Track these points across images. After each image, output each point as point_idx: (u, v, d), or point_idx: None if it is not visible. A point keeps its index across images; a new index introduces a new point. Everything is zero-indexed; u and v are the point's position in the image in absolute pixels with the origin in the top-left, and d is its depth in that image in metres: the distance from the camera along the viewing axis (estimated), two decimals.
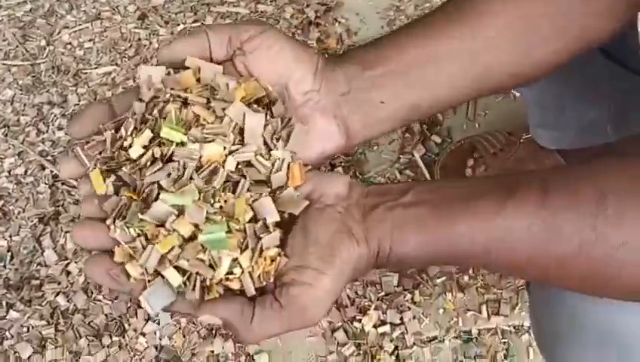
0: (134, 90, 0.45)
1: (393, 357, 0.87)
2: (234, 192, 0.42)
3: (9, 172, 1.01)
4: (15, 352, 0.85)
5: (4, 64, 1.15)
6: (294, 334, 0.88)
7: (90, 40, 1.18)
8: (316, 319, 0.41)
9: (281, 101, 0.45)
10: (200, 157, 0.42)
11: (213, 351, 0.86)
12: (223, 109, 0.43)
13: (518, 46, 0.49)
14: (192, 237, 0.41)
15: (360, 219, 0.43)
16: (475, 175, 0.97)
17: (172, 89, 0.43)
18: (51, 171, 1.01)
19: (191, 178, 0.41)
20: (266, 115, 0.44)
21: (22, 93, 1.10)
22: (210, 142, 0.42)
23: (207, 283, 0.42)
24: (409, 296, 0.91)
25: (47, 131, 1.06)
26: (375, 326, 0.88)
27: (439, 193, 0.43)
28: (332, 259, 0.41)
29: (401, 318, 0.90)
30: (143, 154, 0.41)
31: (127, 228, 0.40)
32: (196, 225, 0.41)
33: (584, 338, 0.48)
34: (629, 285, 0.39)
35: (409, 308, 0.91)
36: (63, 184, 1.00)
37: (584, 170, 0.41)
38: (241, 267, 0.42)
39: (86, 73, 1.13)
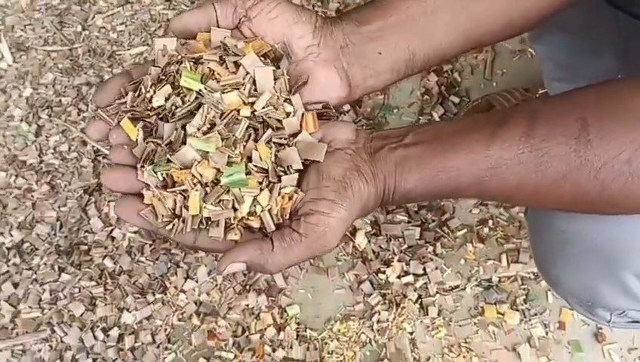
0: (151, 62, 0.49)
1: (417, 305, 0.92)
2: (255, 140, 0.47)
3: (54, 149, 1.09)
4: (69, 311, 0.93)
5: (44, 50, 1.22)
6: (323, 288, 0.94)
7: (122, 23, 1.24)
8: (332, 245, 0.45)
9: (285, 56, 0.50)
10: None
11: (248, 305, 0.93)
12: (235, 63, 0.48)
13: None
14: (216, 182, 0.46)
15: (367, 158, 0.47)
16: None
17: (185, 54, 0.48)
18: (93, 146, 1.08)
19: (214, 125, 0.46)
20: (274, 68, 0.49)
21: (62, 76, 1.18)
22: (228, 92, 0.47)
23: (231, 221, 0.46)
24: (431, 248, 0.96)
25: (87, 110, 1.13)
26: (399, 277, 0.93)
27: (435, 132, 0.47)
28: (345, 192, 0.45)
29: (424, 269, 0.94)
30: (163, 105, 0.46)
31: (155, 172, 0.46)
32: (219, 170, 0.46)
33: (572, 255, 0.52)
34: (612, 202, 0.42)
35: (431, 259, 0.95)
36: (104, 158, 1.07)
37: (568, 99, 0.45)
38: (260, 205, 0.46)
39: (120, 54, 1.20)
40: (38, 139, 1.11)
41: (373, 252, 0.96)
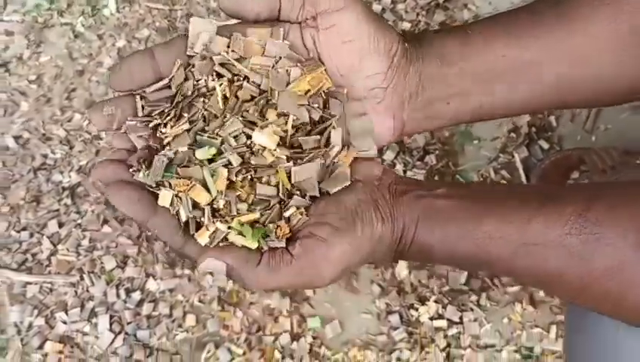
0: (180, 42, 0.42)
1: (444, 354, 0.85)
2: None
3: None
4: (101, 263, 0.94)
5: (147, 6, 1.24)
6: (350, 308, 0.89)
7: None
8: (323, 280, 0.39)
9: (341, 103, 0.43)
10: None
11: (269, 304, 0.89)
12: (276, 109, 0.41)
13: (616, 61, 0.44)
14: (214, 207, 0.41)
15: (389, 199, 0.41)
16: None
17: (229, 51, 0.42)
18: None
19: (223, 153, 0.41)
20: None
21: (156, 35, 1.19)
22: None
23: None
24: (475, 297, 0.88)
25: None
26: (432, 319, 0.86)
27: (474, 191, 0.41)
28: (353, 223, 0.39)
29: (461, 317, 0.87)
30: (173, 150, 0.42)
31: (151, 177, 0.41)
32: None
33: None
34: None
35: (471, 309, 0.87)
36: None
37: None
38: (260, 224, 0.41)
39: None
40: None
41: (412, 285, 0.89)
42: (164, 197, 0.41)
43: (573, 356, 0.51)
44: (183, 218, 0.41)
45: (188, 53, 0.42)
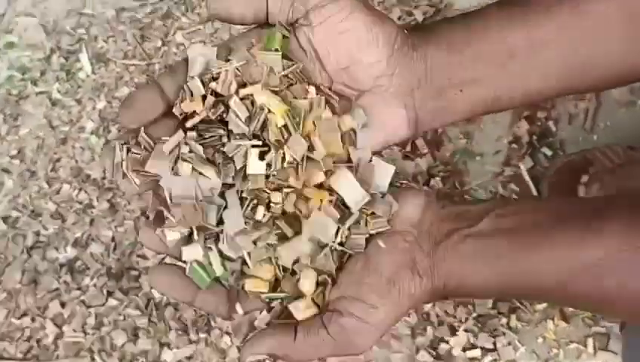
0: (183, 67, 0.40)
1: None
2: None
3: None
4: (111, 339, 0.90)
5: (123, 63, 1.21)
6: (378, 351, 0.85)
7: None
8: (363, 349, 0.40)
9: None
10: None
11: None
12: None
13: (626, 37, 0.42)
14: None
15: (428, 250, 0.41)
16: (588, 193, 0.88)
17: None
18: None
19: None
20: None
21: None
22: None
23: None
24: (504, 319, 0.85)
25: None
26: (464, 350, 0.83)
27: (518, 220, 0.40)
28: (389, 294, 0.40)
29: (494, 343, 0.83)
30: None
31: None
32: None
33: None
34: None
35: (503, 333, 0.84)
36: None
37: None
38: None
39: None
40: None
41: (437, 316, 0.86)
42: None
43: None
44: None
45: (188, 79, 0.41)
